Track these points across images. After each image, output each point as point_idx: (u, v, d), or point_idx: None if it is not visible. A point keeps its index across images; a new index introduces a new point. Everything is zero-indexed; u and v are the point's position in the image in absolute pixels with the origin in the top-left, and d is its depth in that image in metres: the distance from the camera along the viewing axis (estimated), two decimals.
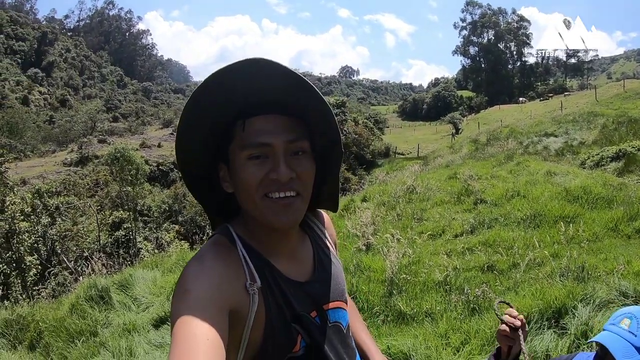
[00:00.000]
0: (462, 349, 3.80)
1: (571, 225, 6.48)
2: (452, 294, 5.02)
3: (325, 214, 1.39)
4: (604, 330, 1.59)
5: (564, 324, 3.93)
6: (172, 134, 53.19)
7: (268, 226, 1.07)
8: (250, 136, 1.03)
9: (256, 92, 1.03)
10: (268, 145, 1.03)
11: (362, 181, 25.94)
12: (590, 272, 5.07)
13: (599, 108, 25.66)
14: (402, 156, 45.48)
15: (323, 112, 1.09)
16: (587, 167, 13.99)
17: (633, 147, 14.00)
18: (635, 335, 1.47)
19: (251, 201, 1.04)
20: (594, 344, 1.63)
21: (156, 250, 14.08)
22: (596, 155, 14.77)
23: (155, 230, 19.89)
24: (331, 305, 1.19)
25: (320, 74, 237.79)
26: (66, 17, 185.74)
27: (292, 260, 1.15)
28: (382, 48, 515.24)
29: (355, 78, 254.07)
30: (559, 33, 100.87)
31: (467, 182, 10.33)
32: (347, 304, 1.28)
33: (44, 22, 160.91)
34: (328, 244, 1.30)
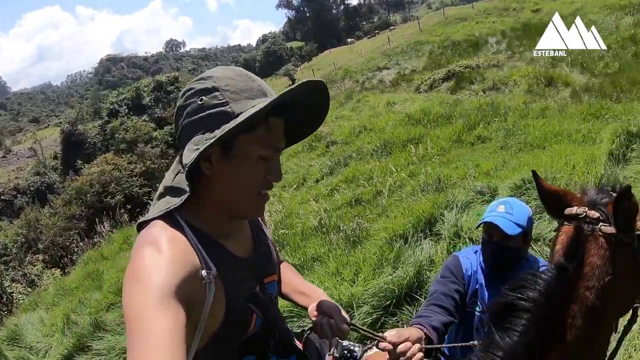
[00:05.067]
0: (357, 279, 3.92)
1: (419, 145, 6.91)
2: (330, 234, 5.11)
3: None
4: (484, 219, 1.93)
5: (437, 231, 4.23)
6: (4, 157, 47.49)
7: (241, 216, 1.14)
8: (274, 138, 1.05)
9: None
10: (279, 151, 1.08)
11: None
12: (446, 182, 5.50)
13: (423, 37, 27.38)
14: None
15: (315, 127, 1.19)
16: (422, 91, 15.05)
17: (460, 67, 15.41)
18: (512, 214, 1.89)
19: (245, 196, 1.07)
20: (482, 225, 1.97)
21: (29, 289, 12.50)
22: (428, 79, 15.92)
23: (20, 268, 17.58)
24: (270, 278, 1.24)
25: (146, 53, 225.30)
26: None
27: (237, 239, 1.17)
28: (205, 14, 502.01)
29: (182, 50, 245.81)
30: None
31: None
32: (278, 275, 1.34)
33: None
34: (259, 219, 1.36)
